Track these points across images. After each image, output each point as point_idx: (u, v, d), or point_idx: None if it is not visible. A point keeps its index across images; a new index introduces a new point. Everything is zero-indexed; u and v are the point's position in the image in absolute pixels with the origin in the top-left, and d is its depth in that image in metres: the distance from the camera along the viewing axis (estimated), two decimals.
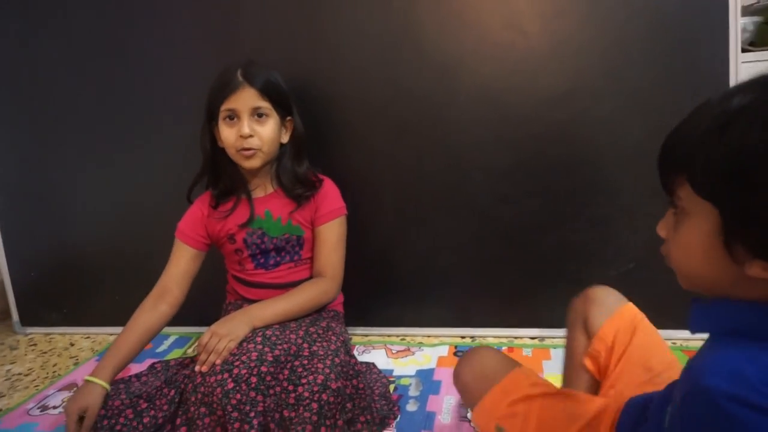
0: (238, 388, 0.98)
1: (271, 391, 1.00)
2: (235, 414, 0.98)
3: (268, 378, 1.01)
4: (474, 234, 1.39)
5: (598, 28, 1.24)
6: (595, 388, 0.84)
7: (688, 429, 0.46)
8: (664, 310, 1.38)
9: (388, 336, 1.46)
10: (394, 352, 1.38)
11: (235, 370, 1.00)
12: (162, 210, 1.50)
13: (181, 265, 1.25)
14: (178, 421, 1.07)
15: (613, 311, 0.84)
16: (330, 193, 1.28)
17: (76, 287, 1.66)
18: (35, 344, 1.62)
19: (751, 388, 0.42)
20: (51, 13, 1.49)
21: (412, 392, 1.19)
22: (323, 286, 1.23)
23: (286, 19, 1.37)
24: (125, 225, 1.58)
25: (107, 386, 1.07)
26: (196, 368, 1.05)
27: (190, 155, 1.27)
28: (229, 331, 1.06)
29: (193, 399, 1.04)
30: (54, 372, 1.43)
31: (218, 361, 1.03)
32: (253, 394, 0.99)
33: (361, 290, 1.41)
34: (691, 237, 0.52)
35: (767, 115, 0.45)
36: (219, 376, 1.00)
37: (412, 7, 1.30)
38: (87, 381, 1.07)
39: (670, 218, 0.55)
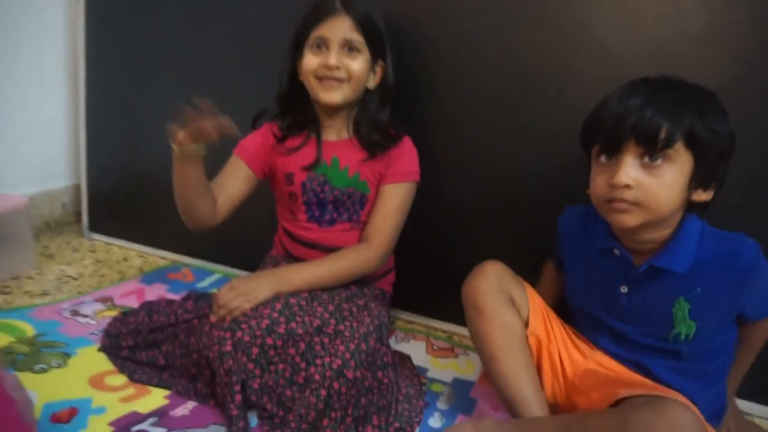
0: (234, 353, 0.88)
1: (272, 368, 0.89)
2: (225, 378, 0.88)
3: (271, 352, 0.89)
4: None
5: None
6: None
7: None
8: None
9: (434, 329, 1.30)
10: (435, 348, 1.22)
11: (239, 333, 0.89)
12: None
13: (233, 183, 1.08)
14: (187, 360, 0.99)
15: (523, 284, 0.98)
16: (407, 154, 1.13)
17: (140, 205, 1.64)
18: (94, 251, 1.63)
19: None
20: None
21: (441, 405, 1.01)
22: (366, 253, 1.07)
23: None
24: None
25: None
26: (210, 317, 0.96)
27: (271, 93, 1.15)
28: (248, 290, 0.95)
29: (196, 346, 0.96)
30: (99, 282, 1.42)
31: (228, 319, 0.93)
32: (251, 366, 0.88)
33: (416, 271, 1.25)
34: (676, 178, 0.78)
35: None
36: (222, 333, 0.90)
37: None
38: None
39: (636, 170, 0.78)
